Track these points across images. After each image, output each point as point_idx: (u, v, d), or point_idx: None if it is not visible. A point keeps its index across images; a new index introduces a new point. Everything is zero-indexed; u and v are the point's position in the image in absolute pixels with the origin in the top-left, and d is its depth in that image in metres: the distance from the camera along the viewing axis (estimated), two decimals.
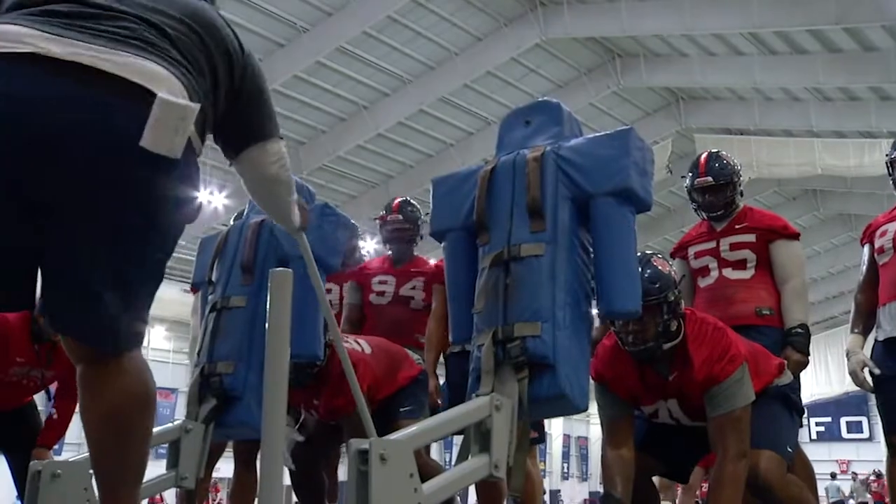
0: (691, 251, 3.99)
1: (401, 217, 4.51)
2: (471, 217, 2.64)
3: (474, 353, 2.50)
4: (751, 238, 3.85)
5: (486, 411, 2.29)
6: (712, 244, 3.92)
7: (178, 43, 1.75)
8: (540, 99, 2.91)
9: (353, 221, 3.34)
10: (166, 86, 1.64)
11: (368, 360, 3.59)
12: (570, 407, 2.44)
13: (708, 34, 14.42)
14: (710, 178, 3.94)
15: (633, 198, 2.47)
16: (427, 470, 2.58)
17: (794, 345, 3.62)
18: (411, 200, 4.67)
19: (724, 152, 4.15)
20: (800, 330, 3.66)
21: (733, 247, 3.86)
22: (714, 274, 3.87)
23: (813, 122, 16.24)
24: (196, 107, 1.68)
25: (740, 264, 3.83)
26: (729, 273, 3.84)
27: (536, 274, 2.43)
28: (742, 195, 4.03)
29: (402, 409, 3.67)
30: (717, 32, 14.27)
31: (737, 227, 3.90)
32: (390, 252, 4.57)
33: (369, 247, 14.82)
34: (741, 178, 4.03)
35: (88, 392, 1.67)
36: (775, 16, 13.03)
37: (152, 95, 1.60)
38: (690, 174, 4.05)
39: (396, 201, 4.63)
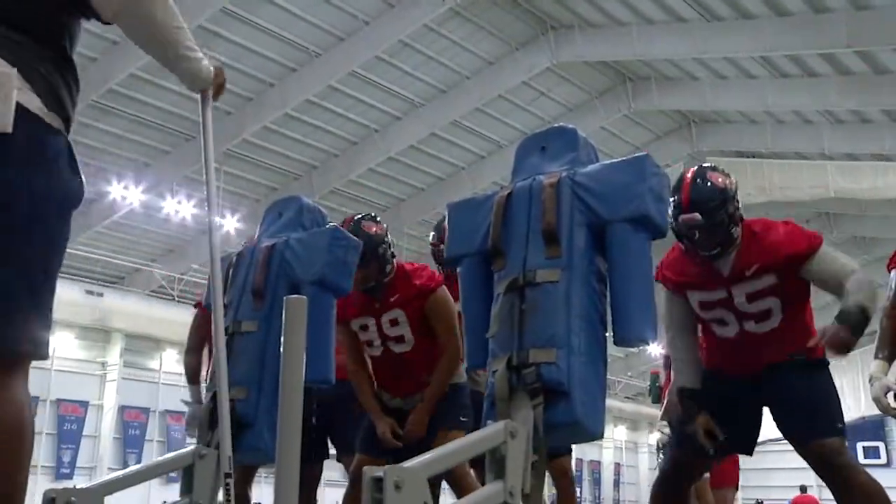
0: (694, 299, 3.23)
1: None
2: (486, 243, 2.64)
3: (489, 378, 2.50)
4: (770, 281, 3.12)
5: (500, 438, 2.29)
6: (722, 293, 3.17)
7: None
8: (555, 125, 2.92)
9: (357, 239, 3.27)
10: None
11: None
12: (586, 434, 2.43)
13: (719, 58, 14.44)
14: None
15: (649, 224, 2.48)
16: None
17: (842, 319, 2.94)
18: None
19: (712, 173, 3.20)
20: (855, 310, 2.95)
21: (751, 298, 3.14)
22: (733, 327, 3.23)
23: (826, 145, 16.19)
24: (9, 70, 1.49)
25: (764, 315, 3.17)
26: (752, 327, 3.21)
27: (552, 300, 2.43)
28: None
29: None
30: (729, 56, 14.29)
31: (747, 272, 3.11)
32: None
33: None
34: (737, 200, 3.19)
35: None
36: (786, 39, 13.04)
37: None
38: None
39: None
